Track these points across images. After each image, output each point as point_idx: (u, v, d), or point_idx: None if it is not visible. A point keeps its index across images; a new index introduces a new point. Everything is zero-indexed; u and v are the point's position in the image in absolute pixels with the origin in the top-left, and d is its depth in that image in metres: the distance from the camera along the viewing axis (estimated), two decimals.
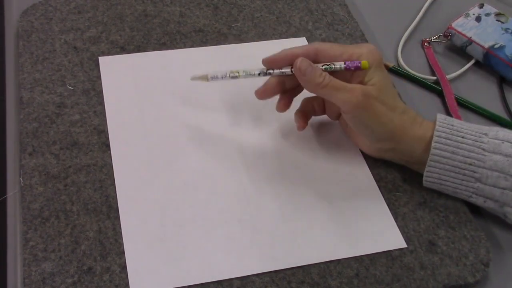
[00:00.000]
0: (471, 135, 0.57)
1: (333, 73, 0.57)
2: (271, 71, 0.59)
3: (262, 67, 0.59)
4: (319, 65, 0.57)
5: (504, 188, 0.55)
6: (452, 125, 0.57)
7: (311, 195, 0.59)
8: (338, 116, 0.63)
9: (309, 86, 0.57)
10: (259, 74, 0.59)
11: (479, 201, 0.57)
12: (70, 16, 0.73)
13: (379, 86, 0.56)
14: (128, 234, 0.54)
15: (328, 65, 0.57)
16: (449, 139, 0.56)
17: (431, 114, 0.70)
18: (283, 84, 0.60)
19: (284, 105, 0.61)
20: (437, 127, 0.57)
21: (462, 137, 0.56)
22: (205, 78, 0.60)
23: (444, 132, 0.56)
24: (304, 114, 0.62)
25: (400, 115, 0.57)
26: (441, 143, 0.56)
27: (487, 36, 0.75)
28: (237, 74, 0.60)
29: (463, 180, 0.57)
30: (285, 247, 0.55)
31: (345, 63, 0.57)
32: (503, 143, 0.56)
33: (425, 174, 0.58)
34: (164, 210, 0.56)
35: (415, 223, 0.58)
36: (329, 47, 0.58)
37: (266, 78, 0.60)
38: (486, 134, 0.57)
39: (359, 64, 0.56)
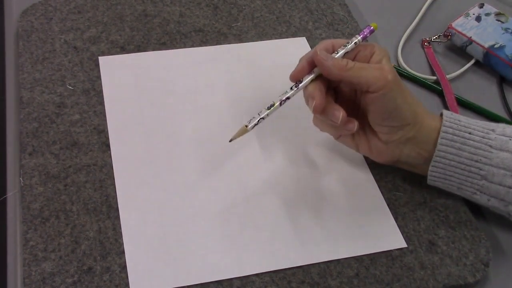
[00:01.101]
0: (478, 131, 0.56)
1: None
2: (299, 83, 0.56)
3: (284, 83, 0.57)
4: (337, 51, 0.57)
5: (510, 187, 0.55)
6: (459, 121, 0.57)
7: (311, 194, 0.59)
8: (339, 134, 0.61)
9: (333, 71, 0.54)
10: (291, 89, 0.56)
11: (483, 199, 0.57)
12: (70, 16, 0.73)
13: (396, 74, 0.56)
14: (128, 234, 0.54)
15: (345, 45, 0.57)
16: (455, 135, 0.56)
17: None
18: (322, 90, 0.56)
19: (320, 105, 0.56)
20: (444, 122, 0.56)
21: (469, 133, 0.56)
22: (244, 131, 0.55)
23: (451, 128, 0.56)
24: (319, 91, 0.56)
25: (419, 103, 0.57)
26: (448, 139, 0.56)
27: (487, 36, 0.75)
28: (272, 105, 0.56)
29: (468, 176, 0.56)
30: (285, 247, 0.55)
31: (359, 35, 0.58)
32: (510, 139, 0.55)
33: (430, 169, 0.57)
34: (164, 210, 0.56)
35: (415, 223, 0.58)
36: (342, 40, 0.58)
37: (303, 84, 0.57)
38: (493, 131, 0.56)
39: (371, 28, 0.58)
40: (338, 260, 0.55)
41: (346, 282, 0.54)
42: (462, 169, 0.56)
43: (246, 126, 0.55)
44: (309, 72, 0.56)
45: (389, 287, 0.54)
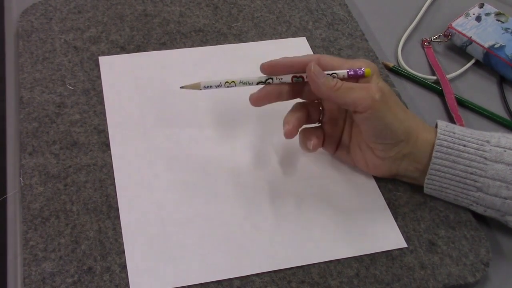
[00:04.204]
0: (473, 143, 0.56)
1: None
2: (270, 80, 0.57)
3: (260, 75, 0.57)
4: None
5: (505, 198, 0.55)
6: (454, 133, 0.56)
7: (311, 194, 0.59)
8: (337, 145, 0.61)
9: (323, 89, 0.54)
10: (257, 83, 0.57)
11: (479, 209, 0.57)
12: (70, 16, 0.73)
13: (388, 90, 0.56)
14: (128, 234, 0.54)
15: (331, 74, 0.56)
16: (450, 148, 0.55)
17: (431, 114, 0.70)
18: (280, 94, 0.58)
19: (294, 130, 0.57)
20: (438, 134, 0.56)
21: (464, 146, 0.55)
22: (197, 86, 0.57)
23: (445, 141, 0.56)
24: (296, 119, 0.58)
25: (413, 117, 0.57)
26: (442, 152, 0.55)
27: (487, 35, 0.75)
28: (233, 84, 0.57)
29: (463, 188, 0.56)
30: (285, 247, 0.55)
31: (348, 71, 0.56)
32: (505, 151, 0.55)
33: (425, 182, 0.57)
34: (164, 210, 0.56)
35: (415, 223, 0.58)
36: (330, 58, 0.57)
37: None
38: (488, 142, 0.56)
39: (362, 72, 0.56)
40: (338, 260, 0.55)
41: (346, 282, 0.54)
42: (457, 181, 0.56)
43: (202, 87, 0.57)
44: (283, 72, 0.57)
45: (389, 287, 0.54)
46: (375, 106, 0.54)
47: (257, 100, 0.57)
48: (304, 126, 0.59)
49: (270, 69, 0.57)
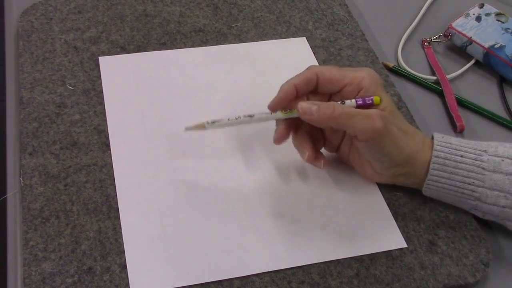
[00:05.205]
0: (470, 153, 0.55)
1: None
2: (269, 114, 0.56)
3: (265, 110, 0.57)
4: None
5: (504, 207, 0.55)
6: (450, 143, 0.56)
7: (311, 195, 0.59)
8: (337, 147, 0.60)
9: (322, 123, 0.53)
10: (257, 117, 0.57)
11: (478, 214, 0.57)
12: (70, 16, 0.73)
13: (390, 110, 0.54)
14: (128, 234, 0.54)
15: (342, 102, 0.55)
16: (447, 159, 0.55)
17: (431, 114, 0.70)
18: (293, 121, 0.57)
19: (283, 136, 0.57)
20: (435, 146, 0.55)
21: (461, 156, 0.55)
22: (202, 126, 0.57)
23: (442, 152, 0.55)
24: (287, 124, 0.57)
25: (413, 138, 0.56)
26: (440, 163, 0.55)
27: (487, 36, 0.75)
28: (239, 117, 0.57)
29: (461, 197, 0.56)
30: (285, 247, 0.55)
31: (356, 101, 0.54)
32: (503, 160, 0.54)
33: (423, 190, 0.57)
34: (164, 210, 0.56)
35: (415, 223, 0.58)
36: (328, 70, 0.56)
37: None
38: (485, 151, 0.55)
39: (371, 101, 0.54)
40: (338, 260, 0.55)
41: (346, 282, 0.54)
42: (455, 192, 0.56)
43: (206, 124, 0.57)
44: (290, 101, 0.56)
45: (389, 287, 0.54)
46: (377, 136, 0.53)
47: (279, 140, 0.57)
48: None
49: (276, 106, 0.56)
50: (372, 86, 0.55)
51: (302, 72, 0.56)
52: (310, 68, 0.56)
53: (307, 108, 0.53)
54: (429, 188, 0.57)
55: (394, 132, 0.54)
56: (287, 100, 0.56)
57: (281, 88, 0.56)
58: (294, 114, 0.56)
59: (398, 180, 0.58)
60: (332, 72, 0.56)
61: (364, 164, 0.59)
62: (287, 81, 0.56)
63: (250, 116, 0.57)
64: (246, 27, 0.75)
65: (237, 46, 0.72)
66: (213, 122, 0.57)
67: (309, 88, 0.56)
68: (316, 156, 0.57)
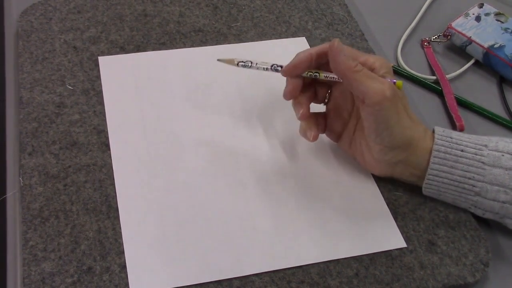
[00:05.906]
0: (471, 147, 0.55)
1: None
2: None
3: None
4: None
5: (504, 202, 0.55)
6: (451, 138, 0.56)
7: (311, 194, 0.59)
8: (339, 135, 0.61)
9: (341, 67, 0.54)
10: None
11: (477, 212, 0.57)
12: (69, 16, 0.73)
13: (403, 93, 0.55)
14: (128, 234, 0.54)
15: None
16: (448, 153, 0.55)
17: (431, 114, 0.70)
18: (304, 82, 0.58)
19: (293, 91, 0.58)
20: (435, 140, 0.56)
21: (462, 151, 0.55)
22: (232, 62, 0.60)
23: (443, 146, 0.55)
24: (308, 99, 0.59)
25: (416, 125, 0.56)
26: (440, 157, 0.55)
27: (487, 36, 0.75)
28: (267, 66, 0.59)
29: (462, 193, 0.56)
30: (285, 247, 0.55)
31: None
32: (503, 155, 0.55)
33: (423, 186, 0.57)
34: (164, 210, 0.56)
35: (415, 223, 0.58)
36: (348, 50, 0.56)
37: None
38: (486, 146, 0.55)
39: (394, 83, 0.55)
40: (337, 260, 0.55)
41: (346, 282, 0.54)
42: (455, 186, 0.56)
43: (237, 63, 0.60)
44: (305, 67, 0.57)
45: (389, 287, 0.54)
46: (383, 103, 0.53)
47: (289, 94, 0.58)
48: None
49: (292, 71, 0.57)
50: (383, 68, 0.56)
51: (321, 44, 0.58)
52: (328, 42, 0.57)
53: (339, 45, 0.54)
54: (429, 183, 0.57)
55: (400, 109, 0.54)
56: (301, 67, 0.57)
57: (297, 54, 0.57)
58: (317, 76, 0.57)
59: (397, 170, 0.58)
60: (348, 49, 0.57)
61: (364, 152, 0.59)
62: (304, 50, 0.57)
63: (277, 68, 0.58)
64: (246, 27, 0.75)
65: (237, 46, 0.72)
66: (243, 62, 0.59)
67: (323, 60, 0.57)
68: (309, 116, 0.58)
